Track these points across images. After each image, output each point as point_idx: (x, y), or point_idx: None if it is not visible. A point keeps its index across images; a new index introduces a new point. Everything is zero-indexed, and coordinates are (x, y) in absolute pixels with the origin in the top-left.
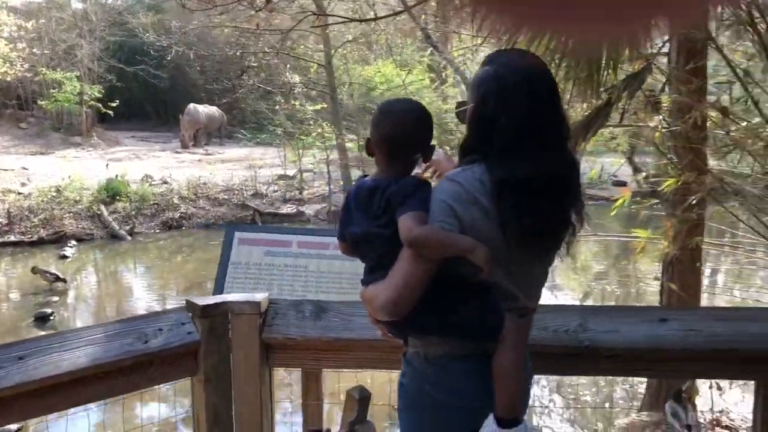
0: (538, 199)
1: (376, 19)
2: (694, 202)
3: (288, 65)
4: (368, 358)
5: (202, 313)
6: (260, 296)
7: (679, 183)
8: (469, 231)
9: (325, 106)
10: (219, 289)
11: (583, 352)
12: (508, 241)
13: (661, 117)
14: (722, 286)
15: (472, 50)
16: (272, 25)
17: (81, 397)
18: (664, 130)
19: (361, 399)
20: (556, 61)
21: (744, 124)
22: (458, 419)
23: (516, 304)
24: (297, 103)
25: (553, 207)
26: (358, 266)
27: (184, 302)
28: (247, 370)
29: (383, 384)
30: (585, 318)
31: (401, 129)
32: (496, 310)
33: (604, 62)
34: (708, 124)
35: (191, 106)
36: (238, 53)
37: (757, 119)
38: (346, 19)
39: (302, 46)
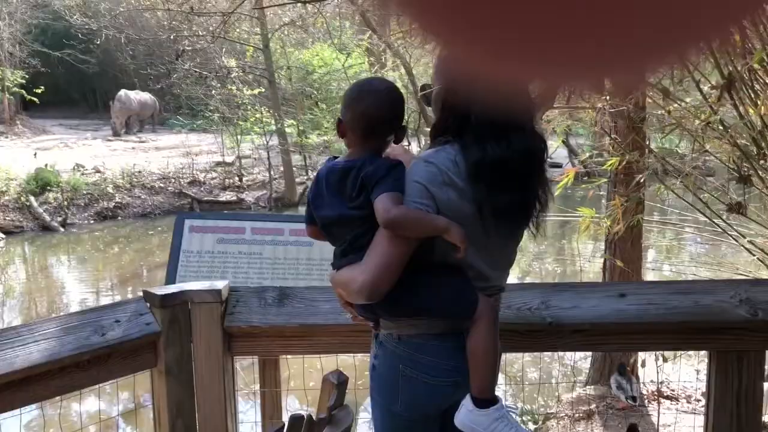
0: (512, 178)
1: (318, 0)
2: (641, 180)
3: (223, 49)
4: (333, 343)
5: (161, 303)
6: (221, 284)
7: (622, 163)
8: (444, 211)
9: (263, 90)
10: (171, 278)
11: (546, 328)
12: (483, 220)
13: (606, 98)
14: (659, 262)
15: (410, 33)
16: (206, 8)
17: (36, 394)
18: (610, 111)
19: (339, 384)
20: None
21: (683, 104)
22: (433, 396)
23: (488, 284)
24: (234, 88)
25: (525, 185)
26: (313, 251)
27: (141, 292)
28: (210, 360)
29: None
30: (547, 296)
31: (379, 108)
32: (470, 290)
33: None
34: (648, 104)
35: (123, 92)
36: (171, 37)
37: (691, 99)
38: (289, 2)
39: (238, 30)
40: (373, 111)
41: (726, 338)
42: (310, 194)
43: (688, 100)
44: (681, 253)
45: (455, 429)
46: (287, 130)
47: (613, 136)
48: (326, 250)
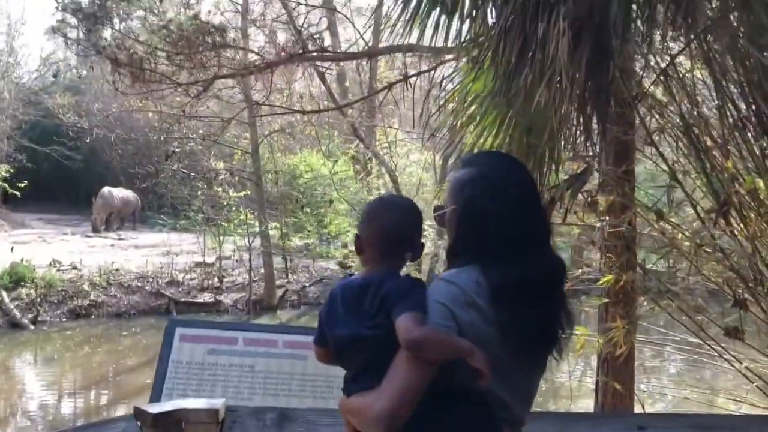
0: (536, 301)
1: (315, 112)
2: (643, 301)
3: (212, 151)
4: None
5: (153, 422)
6: (218, 402)
7: (619, 282)
8: (466, 334)
9: (248, 192)
10: (158, 390)
11: None
12: (507, 344)
13: (605, 217)
14: (653, 384)
15: (395, 144)
16: (197, 111)
17: None
18: (609, 230)
19: None
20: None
21: (671, 225)
22: None
23: (510, 416)
24: (220, 189)
25: (549, 308)
26: (308, 366)
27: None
28: None
29: None
30: (564, 426)
31: (398, 225)
32: (492, 421)
33: (546, 163)
34: (643, 224)
35: (105, 189)
36: (162, 138)
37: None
38: (288, 111)
39: (228, 134)
40: (392, 228)
41: None
42: (323, 312)
43: (679, 221)
44: (674, 376)
45: None
46: (270, 232)
47: (608, 254)
48: (321, 365)
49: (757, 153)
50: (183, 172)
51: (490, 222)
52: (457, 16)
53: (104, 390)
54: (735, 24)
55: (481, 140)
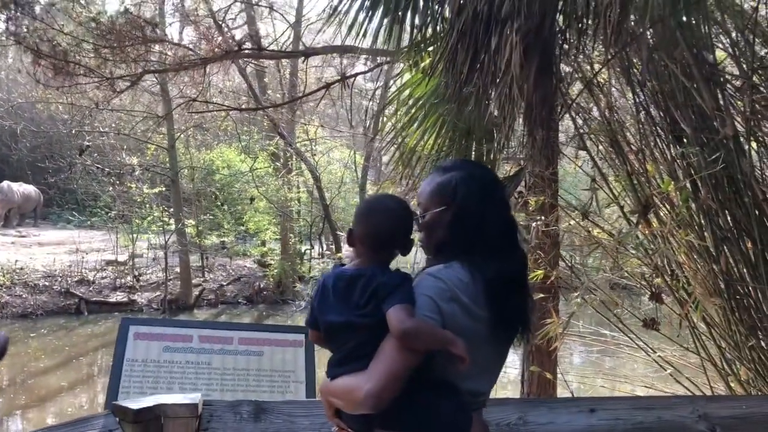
0: (520, 293)
1: (256, 109)
2: (576, 296)
3: (125, 146)
4: None
5: (134, 419)
6: (196, 396)
7: (550, 279)
8: (448, 325)
9: (164, 189)
10: (114, 388)
11: None
12: (488, 334)
13: (539, 217)
14: (572, 374)
15: (315, 142)
16: (111, 104)
17: None
18: (541, 229)
19: None
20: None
21: (603, 225)
22: None
23: (479, 400)
24: (133, 185)
25: (525, 295)
26: (263, 362)
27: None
28: None
29: None
30: (524, 411)
31: (390, 226)
32: (466, 414)
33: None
34: (571, 223)
35: (5, 183)
36: (73, 131)
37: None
38: (225, 108)
39: (143, 128)
40: (383, 228)
41: None
42: (315, 299)
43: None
44: (593, 366)
45: None
46: (186, 230)
47: (538, 252)
48: (276, 361)
49: (669, 158)
50: (97, 167)
51: (484, 220)
52: (398, 20)
53: (17, 394)
54: (651, 39)
55: (422, 141)
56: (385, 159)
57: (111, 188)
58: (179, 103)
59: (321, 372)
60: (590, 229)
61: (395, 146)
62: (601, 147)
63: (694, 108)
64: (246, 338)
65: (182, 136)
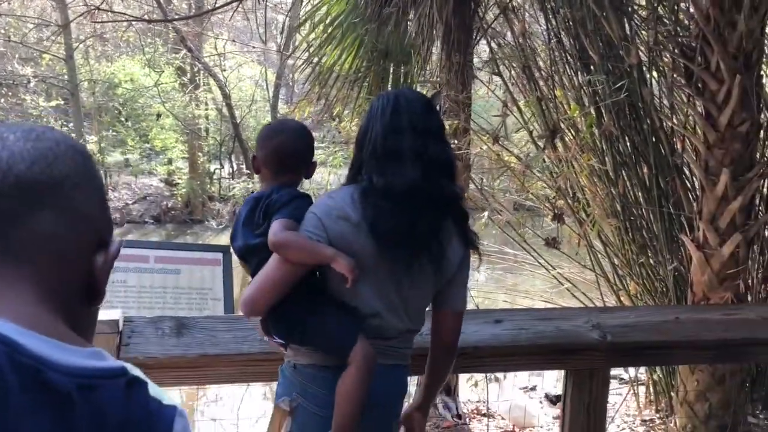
0: (399, 206)
1: (166, 21)
2: (481, 217)
3: (17, 55)
4: (230, 373)
5: None
6: (115, 313)
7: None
8: (337, 244)
9: (62, 102)
10: None
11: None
12: (379, 251)
13: (453, 141)
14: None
15: (223, 56)
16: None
17: None
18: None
19: (292, 410)
20: (359, 83)
21: (511, 149)
22: (323, 428)
23: (385, 324)
24: (28, 98)
25: (414, 216)
26: (181, 280)
27: None
28: None
29: None
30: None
31: (290, 145)
32: (349, 331)
33: (401, 86)
34: (483, 148)
35: None
36: None
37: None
38: (132, 19)
39: (36, 36)
40: (284, 147)
41: (581, 359)
42: (233, 227)
43: (510, 145)
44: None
45: None
46: (88, 146)
47: None
48: (195, 278)
49: (577, 84)
50: None
51: (364, 138)
52: None
53: None
54: None
55: (340, 60)
56: (300, 78)
57: (2, 100)
58: (80, 12)
59: (238, 290)
60: (500, 153)
61: (311, 66)
62: (513, 72)
63: (603, 37)
64: (162, 257)
65: (81, 46)
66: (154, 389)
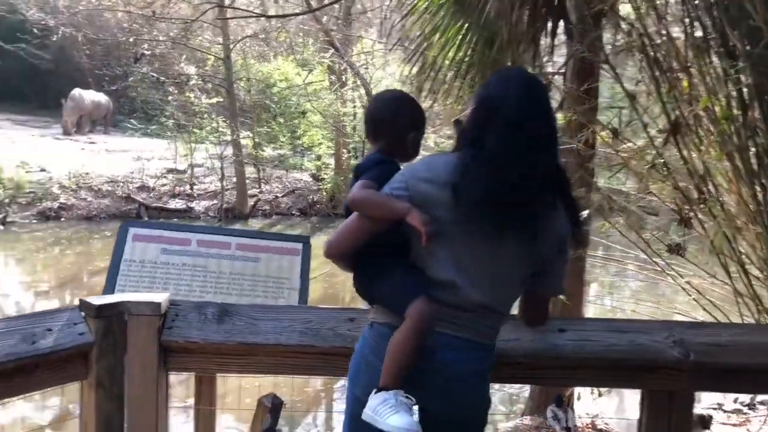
0: (498, 176)
1: (281, 16)
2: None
3: (183, 56)
4: (271, 363)
5: (97, 313)
6: (160, 297)
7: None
8: (418, 204)
9: (221, 100)
10: (110, 288)
11: None
12: (460, 218)
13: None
14: (601, 297)
15: (372, 55)
16: (169, 13)
17: None
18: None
19: (273, 407)
20: (462, 75)
21: (630, 144)
22: None
23: (461, 296)
24: (191, 95)
25: (515, 192)
26: (259, 268)
27: (78, 299)
28: (144, 374)
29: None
30: None
31: (380, 112)
32: (412, 290)
33: None
34: (598, 143)
35: (76, 91)
36: (131, 40)
37: (642, 141)
38: (251, 15)
39: (200, 38)
40: (372, 114)
41: (657, 378)
42: None
43: (639, 142)
44: (622, 290)
45: None
46: (243, 141)
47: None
48: (273, 267)
49: (714, 74)
50: (153, 76)
51: (489, 117)
52: None
53: (77, 289)
54: None
55: (444, 51)
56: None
57: (170, 98)
58: (207, 8)
59: (314, 283)
60: (624, 150)
61: (417, 57)
62: (642, 63)
63: (746, 23)
64: (243, 244)
65: (239, 47)
66: None
